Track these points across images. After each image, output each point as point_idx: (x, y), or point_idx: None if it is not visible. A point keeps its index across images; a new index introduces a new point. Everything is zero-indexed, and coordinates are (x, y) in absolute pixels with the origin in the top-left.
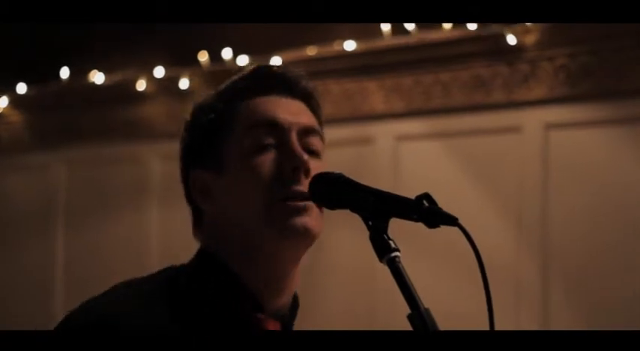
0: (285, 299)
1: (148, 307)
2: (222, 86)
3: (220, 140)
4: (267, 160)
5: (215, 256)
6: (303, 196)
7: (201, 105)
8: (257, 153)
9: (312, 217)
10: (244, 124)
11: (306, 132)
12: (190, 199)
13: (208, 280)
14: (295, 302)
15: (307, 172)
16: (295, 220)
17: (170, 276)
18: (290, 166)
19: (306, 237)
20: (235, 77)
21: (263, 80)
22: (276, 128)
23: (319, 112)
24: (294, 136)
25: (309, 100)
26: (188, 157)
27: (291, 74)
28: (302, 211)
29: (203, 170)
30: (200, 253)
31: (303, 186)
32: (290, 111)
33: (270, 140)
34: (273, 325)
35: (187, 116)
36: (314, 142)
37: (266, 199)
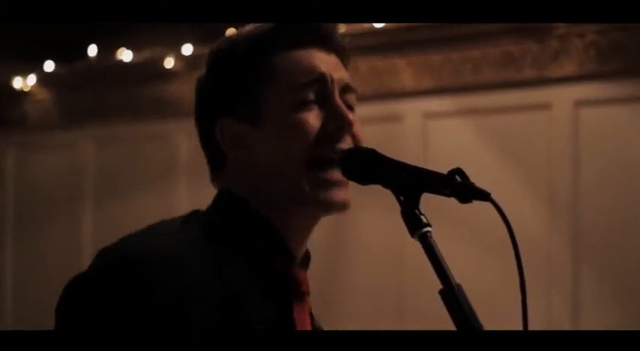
0: (304, 249)
1: (190, 251)
2: (254, 31)
3: (258, 91)
4: (312, 116)
5: (245, 201)
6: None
7: (229, 50)
8: (300, 108)
9: (348, 189)
10: (287, 77)
11: (346, 89)
12: (210, 145)
13: (242, 225)
14: (307, 254)
15: (351, 131)
16: (336, 195)
17: (202, 222)
18: (335, 124)
19: (343, 210)
20: (267, 25)
21: (301, 31)
22: (320, 84)
23: (349, 67)
24: (337, 93)
25: (343, 54)
26: (214, 104)
27: (327, 27)
28: (343, 185)
29: (234, 119)
30: (227, 196)
31: (347, 144)
32: (331, 66)
33: (313, 96)
34: (302, 274)
35: (210, 57)
36: (352, 99)
37: (310, 156)
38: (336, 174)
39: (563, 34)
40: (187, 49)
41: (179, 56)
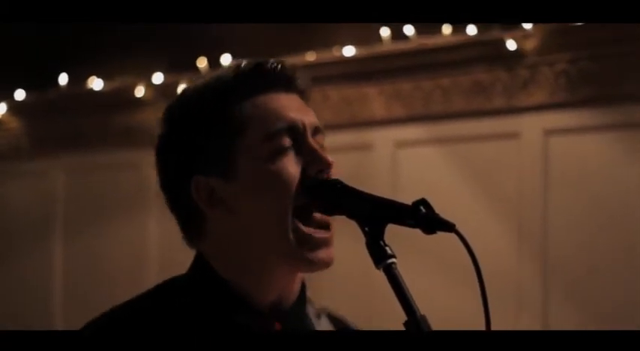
0: (290, 295)
1: (146, 322)
2: (212, 83)
3: (229, 144)
4: (289, 163)
5: (211, 266)
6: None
7: (190, 106)
8: (276, 156)
9: (333, 246)
10: (258, 127)
11: (316, 131)
12: (185, 206)
13: (204, 292)
14: (303, 290)
15: (329, 173)
16: (322, 253)
17: (167, 289)
18: (315, 169)
19: (326, 268)
20: (225, 72)
21: (262, 77)
22: (293, 130)
23: (309, 105)
24: (310, 137)
25: (304, 94)
26: (184, 164)
27: (287, 69)
28: (329, 243)
29: (206, 176)
30: (198, 265)
31: None
32: (298, 109)
33: (288, 142)
34: (272, 326)
35: (171, 114)
36: (321, 140)
37: (293, 204)
38: (323, 233)
39: (533, 62)
40: (158, 78)
41: (149, 85)
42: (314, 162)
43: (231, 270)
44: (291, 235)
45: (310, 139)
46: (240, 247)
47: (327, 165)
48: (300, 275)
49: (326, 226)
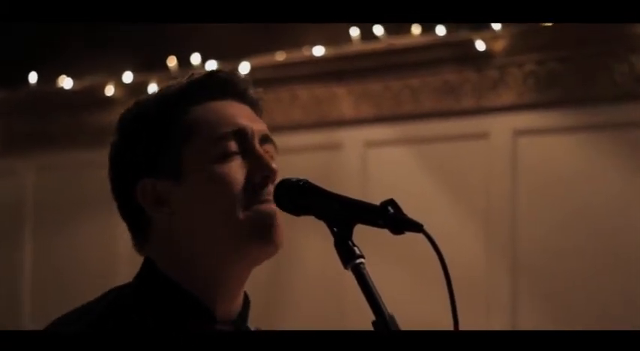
0: (237, 303)
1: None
2: (164, 90)
3: (177, 147)
4: (235, 167)
5: (161, 271)
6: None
7: (141, 111)
8: (222, 160)
9: (280, 227)
10: (205, 130)
11: (264, 139)
12: (132, 210)
13: (156, 298)
14: (246, 301)
15: (274, 181)
16: (273, 231)
17: (113, 297)
18: (260, 175)
19: (276, 250)
20: (178, 82)
21: (214, 85)
22: (241, 135)
23: (262, 118)
24: (257, 144)
25: (256, 106)
26: (132, 167)
27: (240, 79)
28: (277, 221)
29: (154, 179)
30: (145, 269)
31: (270, 194)
32: (248, 117)
33: (234, 147)
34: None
35: (122, 121)
36: (270, 149)
37: (236, 206)
38: (272, 206)
39: (502, 63)
40: (128, 77)
41: (119, 84)
42: (259, 168)
43: (181, 275)
44: (241, 215)
45: (257, 146)
46: (186, 248)
47: (272, 172)
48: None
49: (266, 202)
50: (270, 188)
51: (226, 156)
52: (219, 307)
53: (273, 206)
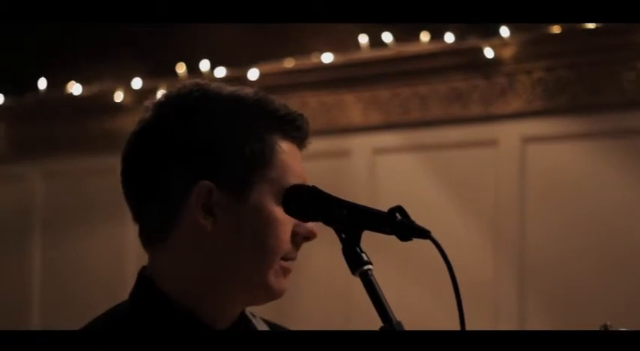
0: (236, 316)
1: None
2: (256, 100)
3: (252, 169)
4: (289, 218)
5: (161, 290)
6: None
7: (232, 107)
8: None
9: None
10: (286, 176)
11: None
12: (167, 202)
13: (154, 318)
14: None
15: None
16: (284, 283)
17: (111, 317)
18: (304, 235)
19: (280, 297)
20: (267, 100)
21: (299, 127)
22: None
23: None
24: None
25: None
26: (194, 160)
27: (307, 126)
28: (289, 273)
29: (215, 184)
30: (143, 285)
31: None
32: (305, 172)
33: None
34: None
35: (199, 102)
36: None
37: (278, 256)
38: (290, 265)
39: (511, 70)
40: (137, 83)
41: (129, 90)
42: (305, 228)
43: (187, 287)
44: (271, 272)
45: None
46: (210, 265)
47: (314, 235)
48: None
49: (295, 259)
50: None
51: None
52: (218, 322)
53: (290, 267)
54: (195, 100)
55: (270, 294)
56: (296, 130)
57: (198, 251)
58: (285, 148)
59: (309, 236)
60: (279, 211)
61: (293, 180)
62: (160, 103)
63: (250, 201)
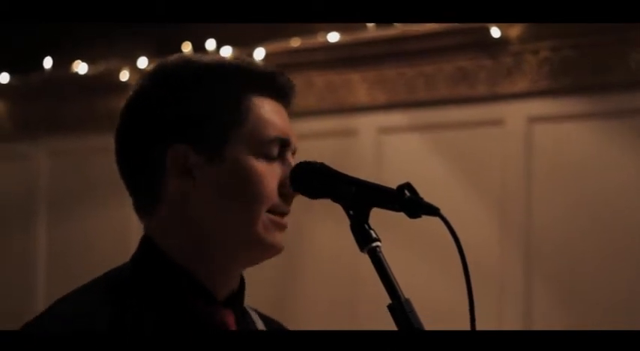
0: (235, 284)
1: (87, 314)
2: (221, 61)
3: (226, 129)
4: (273, 171)
5: (162, 250)
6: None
7: (194, 74)
8: (264, 161)
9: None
10: (257, 128)
11: (294, 151)
12: (147, 171)
13: (156, 278)
14: (242, 283)
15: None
16: (277, 237)
17: (111, 277)
18: (289, 185)
19: (278, 253)
20: (236, 59)
21: (277, 84)
22: (284, 144)
23: None
24: (292, 156)
25: (289, 108)
26: (168, 123)
27: (289, 81)
28: (284, 228)
29: (189, 146)
30: (145, 246)
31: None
32: (289, 125)
33: (276, 152)
34: (227, 315)
35: (167, 73)
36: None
37: (262, 206)
38: (284, 220)
39: (517, 50)
40: (143, 62)
41: (134, 69)
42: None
43: (184, 252)
44: (260, 225)
45: (290, 155)
46: (201, 227)
47: None
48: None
49: (287, 214)
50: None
51: (267, 158)
52: (219, 288)
53: (283, 234)
54: (172, 71)
55: (263, 248)
56: (274, 88)
57: (184, 214)
58: (261, 103)
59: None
60: (259, 164)
61: (271, 133)
62: (141, 79)
63: (227, 158)
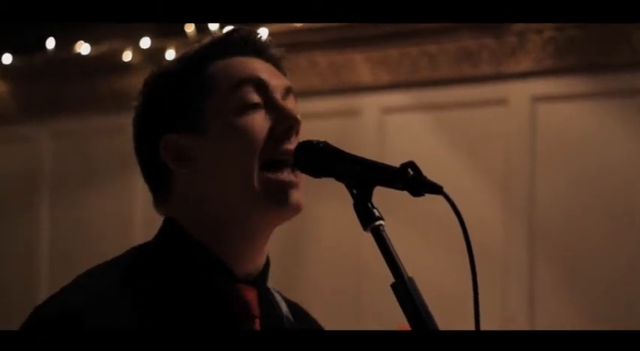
0: (259, 262)
1: (110, 297)
2: (188, 51)
3: (199, 101)
4: (257, 118)
5: (183, 229)
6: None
7: (166, 70)
8: (244, 112)
9: (301, 191)
10: (228, 82)
11: (286, 92)
12: (154, 165)
13: (177, 255)
14: (267, 261)
15: (298, 131)
16: (289, 195)
17: (134, 256)
18: (283, 125)
19: (296, 213)
20: (203, 41)
21: (237, 42)
22: (262, 87)
23: (286, 74)
24: (280, 95)
25: (279, 63)
26: (154, 124)
27: (262, 38)
28: (295, 186)
29: (178, 134)
30: (167, 227)
31: (294, 145)
32: (268, 71)
33: (256, 99)
34: (249, 293)
35: (148, 81)
36: (292, 102)
37: (259, 158)
38: (287, 175)
39: (521, 30)
40: (145, 43)
41: (137, 49)
42: (282, 119)
43: (203, 231)
44: (256, 182)
45: (279, 98)
46: (209, 204)
47: (296, 121)
48: (266, 247)
49: (286, 164)
50: (294, 141)
51: (248, 107)
52: (240, 265)
53: (288, 174)
54: (150, 78)
55: (269, 210)
56: (237, 45)
57: (194, 198)
58: (225, 63)
59: (292, 124)
60: (237, 119)
61: (236, 77)
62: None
63: (210, 128)
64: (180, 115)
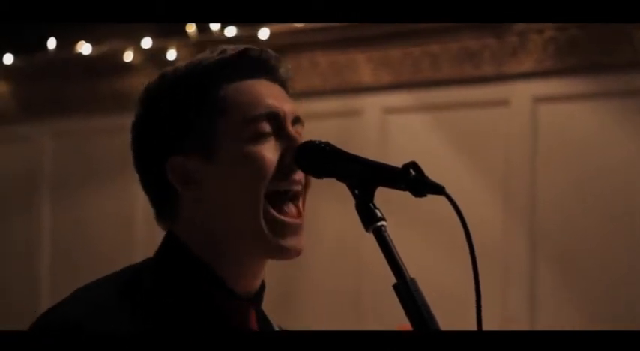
0: (255, 284)
1: (109, 309)
2: (195, 65)
3: (209, 125)
4: (268, 148)
5: (185, 245)
6: (299, 185)
7: (169, 83)
8: (256, 141)
9: (303, 233)
10: (239, 110)
11: (296, 120)
12: (159, 186)
13: (177, 270)
14: (262, 283)
15: None
16: (292, 241)
17: (134, 270)
18: (292, 156)
19: (294, 257)
20: (207, 56)
21: (247, 63)
22: (273, 117)
23: (290, 96)
24: (290, 125)
25: (287, 85)
26: (161, 144)
27: (272, 57)
28: (299, 230)
29: (185, 156)
30: (168, 242)
31: (300, 176)
32: (279, 97)
33: (268, 129)
34: (248, 309)
35: (149, 94)
36: (300, 130)
37: (267, 189)
38: (292, 215)
39: (522, 30)
40: (147, 43)
41: (138, 50)
42: (292, 149)
43: (204, 250)
44: (262, 219)
45: (290, 127)
46: (214, 229)
47: (296, 140)
48: (264, 269)
49: (297, 214)
50: (301, 174)
51: (259, 137)
52: (239, 284)
53: (293, 214)
54: (149, 93)
55: (270, 249)
56: (246, 67)
57: (201, 221)
58: (236, 88)
59: (293, 143)
60: (248, 147)
61: (252, 112)
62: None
63: (219, 154)
64: (187, 138)
